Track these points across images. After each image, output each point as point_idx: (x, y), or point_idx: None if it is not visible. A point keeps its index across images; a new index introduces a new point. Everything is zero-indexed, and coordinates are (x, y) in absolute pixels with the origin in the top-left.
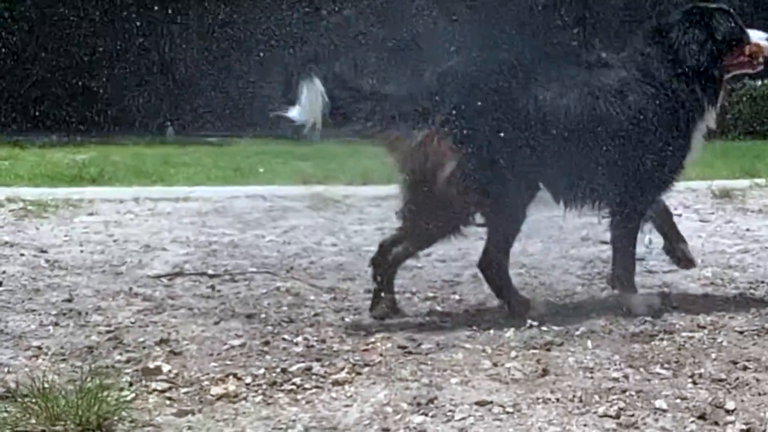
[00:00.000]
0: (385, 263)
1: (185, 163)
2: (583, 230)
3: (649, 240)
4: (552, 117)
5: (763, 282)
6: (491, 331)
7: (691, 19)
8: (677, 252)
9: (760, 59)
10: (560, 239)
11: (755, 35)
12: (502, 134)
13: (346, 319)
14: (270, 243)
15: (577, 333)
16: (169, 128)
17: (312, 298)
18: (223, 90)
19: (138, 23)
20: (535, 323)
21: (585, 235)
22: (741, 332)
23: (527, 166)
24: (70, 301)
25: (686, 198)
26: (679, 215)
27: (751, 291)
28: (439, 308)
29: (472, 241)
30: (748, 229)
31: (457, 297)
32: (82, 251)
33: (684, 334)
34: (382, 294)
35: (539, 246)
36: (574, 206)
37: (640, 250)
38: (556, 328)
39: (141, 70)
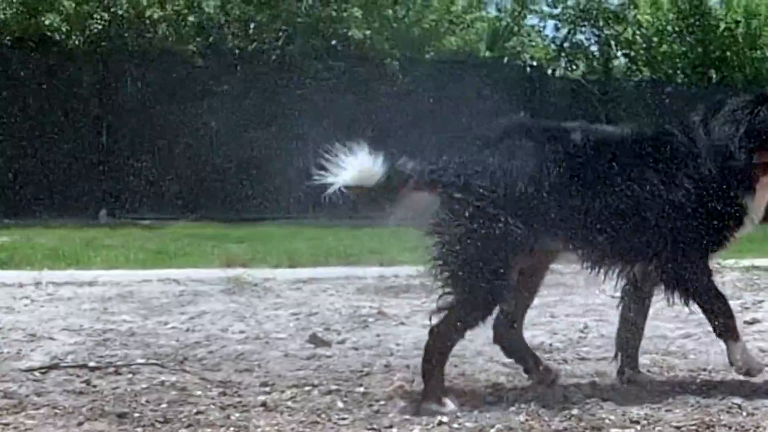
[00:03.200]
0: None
1: (109, 246)
2: None
3: (584, 324)
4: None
5: (704, 370)
6: (393, 431)
7: (743, 104)
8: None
9: None
10: (488, 323)
11: None
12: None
13: (232, 418)
14: (171, 331)
15: (492, 430)
16: (102, 211)
17: (198, 393)
18: (161, 172)
19: (74, 106)
20: (445, 419)
21: None
22: (678, 427)
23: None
24: None
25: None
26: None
27: (692, 380)
28: (340, 403)
29: (392, 327)
30: (691, 313)
31: (362, 390)
32: None
33: (613, 430)
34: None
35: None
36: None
37: (573, 335)
38: (469, 425)
39: (76, 152)
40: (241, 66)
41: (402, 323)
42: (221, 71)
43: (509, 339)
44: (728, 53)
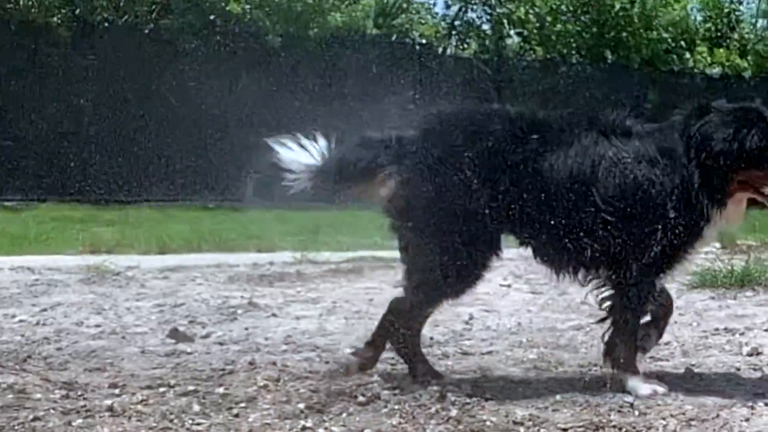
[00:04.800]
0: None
1: None
2: None
3: (470, 315)
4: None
5: (596, 365)
6: None
7: (733, 115)
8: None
9: None
10: (368, 314)
11: None
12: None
13: (73, 424)
14: (18, 325)
15: None
16: None
17: (38, 396)
18: (27, 150)
19: None
20: (309, 423)
21: None
22: (565, 429)
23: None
24: None
25: (518, 266)
26: (508, 286)
27: (582, 376)
28: (196, 406)
29: (263, 319)
30: (583, 302)
31: (222, 391)
32: None
33: None
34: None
35: (341, 323)
36: (570, 274)
37: (457, 327)
38: (336, 430)
39: None
40: (110, 40)
41: (273, 315)
42: (88, 45)
43: (408, 337)
44: (624, 34)
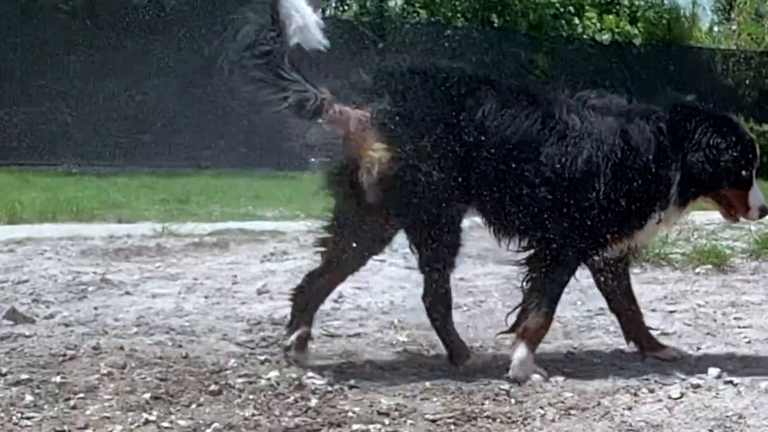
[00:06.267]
0: (309, 296)
1: None
2: (262, 281)
3: (339, 294)
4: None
5: (470, 348)
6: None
7: (722, 125)
8: (639, 338)
9: (739, 215)
10: (229, 293)
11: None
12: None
13: None
14: None
15: (209, 430)
16: None
17: None
18: None
19: None
20: (152, 417)
21: (263, 287)
22: (434, 420)
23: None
24: None
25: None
26: (383, 260)
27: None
28: (29, 397)
29: (116, 297)
30: (462, 278)
31: (59, 380)
32: None
33: (356, 426)
34: (297, 328)
35: (200, 302)
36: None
37: (325, 306)
38: (182, 423)
39: None
40: None
41: (127, 293)
42: None
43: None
44: None
